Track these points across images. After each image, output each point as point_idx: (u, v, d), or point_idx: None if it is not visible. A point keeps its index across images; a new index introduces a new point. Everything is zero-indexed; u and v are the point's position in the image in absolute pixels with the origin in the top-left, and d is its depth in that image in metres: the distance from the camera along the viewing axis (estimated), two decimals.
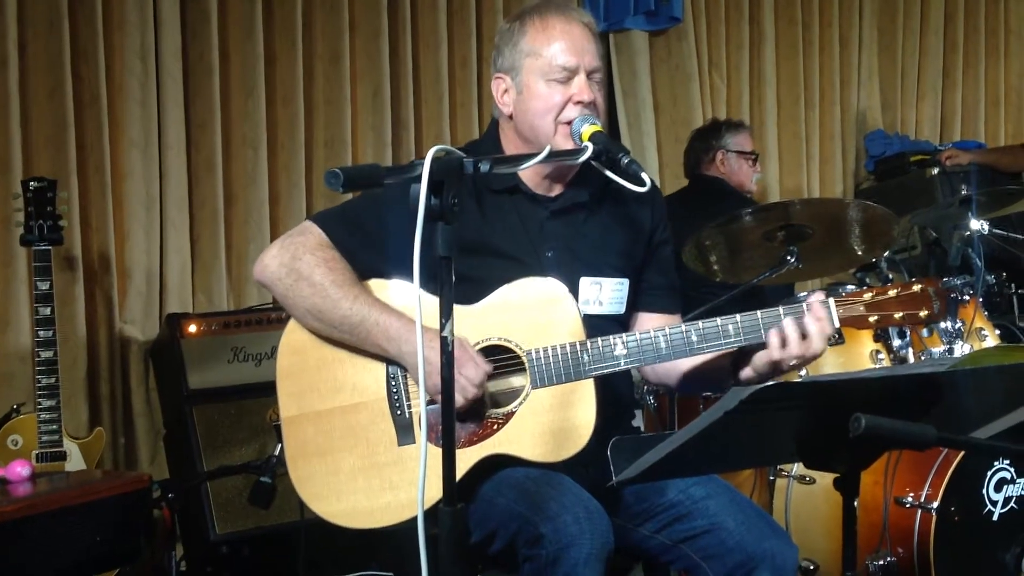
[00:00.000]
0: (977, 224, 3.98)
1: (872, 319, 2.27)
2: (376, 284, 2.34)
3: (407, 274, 2.28)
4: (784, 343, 2.19)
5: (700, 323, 2.25)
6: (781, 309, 2.25)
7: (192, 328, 3.85)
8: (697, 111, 5.43)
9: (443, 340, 1.70)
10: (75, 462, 3.42)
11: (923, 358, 3.52)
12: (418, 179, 1.67)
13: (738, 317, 2.25)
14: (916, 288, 2.27)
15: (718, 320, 2.25)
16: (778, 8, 5.72)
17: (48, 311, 3.41)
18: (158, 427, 4.11)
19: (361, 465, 2.27)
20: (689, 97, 5.42)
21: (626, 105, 5.32)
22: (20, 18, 3.90)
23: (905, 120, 6.15)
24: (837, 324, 2.26)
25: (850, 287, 3.71)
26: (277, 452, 3.57)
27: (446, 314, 1.69)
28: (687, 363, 2.40)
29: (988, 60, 6.35)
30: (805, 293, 3.91)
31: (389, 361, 2.29)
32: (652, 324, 2.48)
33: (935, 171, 5.54)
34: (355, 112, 4.61)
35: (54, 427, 3.38)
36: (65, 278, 3.90)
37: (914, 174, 5.66)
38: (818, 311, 2.20)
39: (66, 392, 3.59)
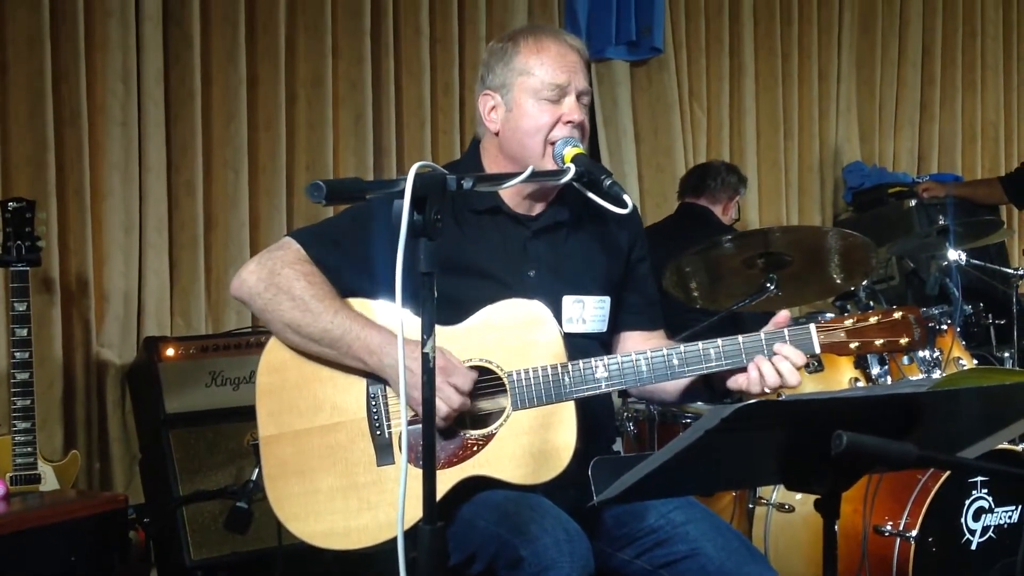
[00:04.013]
0: (955, 254, 4.01)
1: (853, 345, 2.28)
2: (354, 303, 2.32)
3: (385, 293, 2.30)
4: (762, 379, 2.22)
5: (682, 347, 2.26)
6: (763, 335, 2.26)
7: (170, 352, 3.82)
8: (678, 141, 5.47)
9: (424, 357, 1.69)
10: (49, 485, 3.37)
11: None
12: (401, 194, 1.67)
13: (720, 342, 2.26)
14: (897, 315, 2.28)
15: (699, 344, 2.25)
16: (758, 40, 5.78)
17: (25, 332, 3.38)
18: (134, 451, 4.06)
19: (340, 485, 2.25)
20: (670, 127, 5.46)
21: (607, 134, 5.35)
22: (1, 37, 3.89)
23: (883, 152, 6.21)
24: (818, 350, 2.27)
25: (829, 315, 3.72)
26: (254, 477, 3.55)
27: (427, 331, 1.69)
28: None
29: (965, 94, 6.42)
30: (778, 331, 3.92)
31: (370, 380, 2.28)
32: (633, 342, 2.49)
33: (912, 203, 5.58)
34: (337, 136, 4.61)
35: (29, 449, 3.34)
36: (42, 300, 3.86)
37: (892, 206, 5.70)
38: (783, 351, 2.22)
39: (41, 415, 3.55)
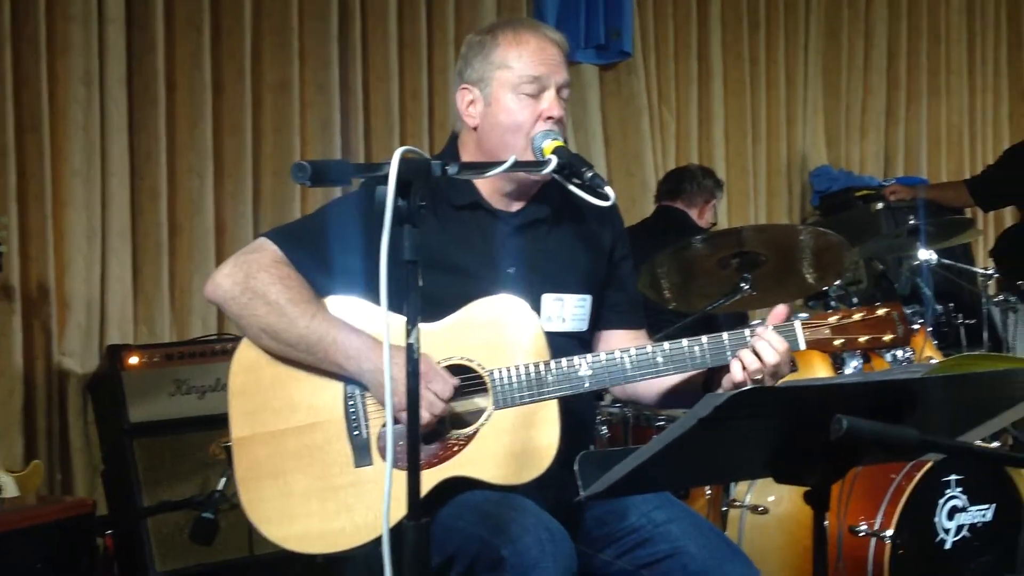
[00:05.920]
0: (927, 254, 4.02)
1: (837, 342, 2.27)
2: (333, 302, 2.27)
3: (363, 292, 2.25)
4: (744, 367, 2.18)
5: (666, 344, 2.22)
6: (747, 332, 2.24)
7: (133, 360, 3.74)
8: (647, 145, 5.46)
9: (409, 348, 1.64)
10: (10, 495, 3.29)
11: None
12: (385, 179, 1.62)
13: (704, 339, 2.23)
14: (881, 312, 2.27)
15: (684, 342, 2.22)
16: (726, 45, 5.79)
17: None
18: (96, 462, 3.98)
19: (315, 487, 2.19)
20: (639, 131, 5.45)
21: (576, 138, 5.32)
22: None
23: (849, 156, 6.24)
24: (803, 347, 2.25)
25: (803, 315, 3.71)
26: (220, 487, 3.49)
27: (412, 320, 1.64)
28: (658, 382, 2.36)
29: (930, 98, 6.46)
30: (759, 321, 3.91)
31: (348, 380, 2.22)
32: (616, 341, 2.45)
33: (880, 206, 5.60)
34: (304, 142, 4.54)
35: None
36: (2, 308, 3.78)
37: (859, 209, 5.72)
38: (763, 334, 2.19)
39: (1, 425, 3.46)
